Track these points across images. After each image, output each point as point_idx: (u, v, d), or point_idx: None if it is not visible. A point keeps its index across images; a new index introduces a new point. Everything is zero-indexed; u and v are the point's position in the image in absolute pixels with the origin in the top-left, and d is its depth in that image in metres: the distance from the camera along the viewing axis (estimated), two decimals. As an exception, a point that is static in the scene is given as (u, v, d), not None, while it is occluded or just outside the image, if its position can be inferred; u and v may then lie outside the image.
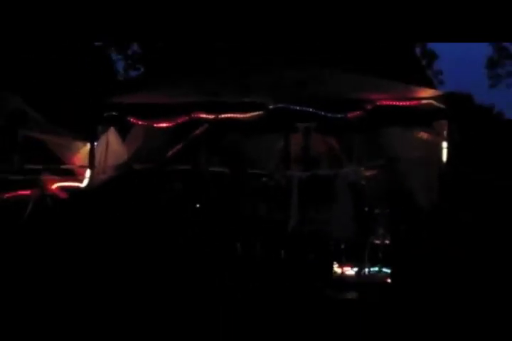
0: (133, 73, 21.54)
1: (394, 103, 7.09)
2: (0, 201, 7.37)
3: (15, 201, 7.44)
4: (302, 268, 6.96)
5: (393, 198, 7.36)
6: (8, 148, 7.96)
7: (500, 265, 6.43)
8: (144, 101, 7.66)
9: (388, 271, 7.04)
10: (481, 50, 25.72)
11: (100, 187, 7.73)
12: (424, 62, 23.45)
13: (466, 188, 7.29)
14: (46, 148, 8.32)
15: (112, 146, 8.05)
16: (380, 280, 6.96)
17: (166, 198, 7.82)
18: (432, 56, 25.48)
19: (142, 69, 20.35)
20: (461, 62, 44.46)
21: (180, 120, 7.51)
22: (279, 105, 7.25)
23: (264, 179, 7.84)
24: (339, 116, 7.16)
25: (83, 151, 8.20)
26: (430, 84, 9.71)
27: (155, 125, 7.69)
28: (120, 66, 21.58)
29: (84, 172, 7.92)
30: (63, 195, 7.69)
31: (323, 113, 7.16)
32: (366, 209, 7.37)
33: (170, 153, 8.93)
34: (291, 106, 7.22)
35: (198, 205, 7.93)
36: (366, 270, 7.18)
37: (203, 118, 7.51)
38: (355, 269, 7.24)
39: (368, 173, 7.55)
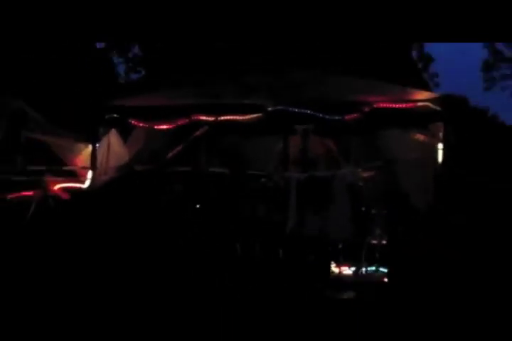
0: (134, 76, 21.56)
1: (391, 105, 7.17)
2: (3, 202, 7.41)
3: (18, 202, 7.49)
4: (300, 269, 6.98)
5: (390, 199, 7.40)
6: (12, 149, 7.96)
7: (496, 265, 6.49)
8: (145, 103, 7.73)
9: (385, 270, 7.07)
10: (477, 53, 25.85)
11: (102, 188, 7.78)
12: (420, 65, 23.53)
13: (460, 190, 7.36)
14: (49, 149, 8.35)
15: (114, 148, 8.12)
16: (377, 280, 6.99)
17: (167, 199, 7.83)
18: (428, 59, 25.54)
19: (143, 72, 20.43)
20: (457, 65, 44.54)
21: (180, 122, 7.60)
22: (278, 107, 7.33)
23: (263, 180, 7.82)
24: (337, 118, 7.25)
25: (85, 153, 8.24)
26: (426, 87, 9.80)
27: (156, 127, 7.79)
28: (121, 69, 21.60)
29: (86, 173, 7.99)
30: (65, 196, 7.74)
31: (321, 115, 7.25)
32: (363, 209, 7.36)
33: (170, 154, 8.95)
34: (290, 109, 7.30)
35: (197, 206, 7.94)
36: (363, 269, 7.20)
37: (202, 120, 7.60)
38: (353, 269, 7.25)
39: (365, 175, 7.56)
